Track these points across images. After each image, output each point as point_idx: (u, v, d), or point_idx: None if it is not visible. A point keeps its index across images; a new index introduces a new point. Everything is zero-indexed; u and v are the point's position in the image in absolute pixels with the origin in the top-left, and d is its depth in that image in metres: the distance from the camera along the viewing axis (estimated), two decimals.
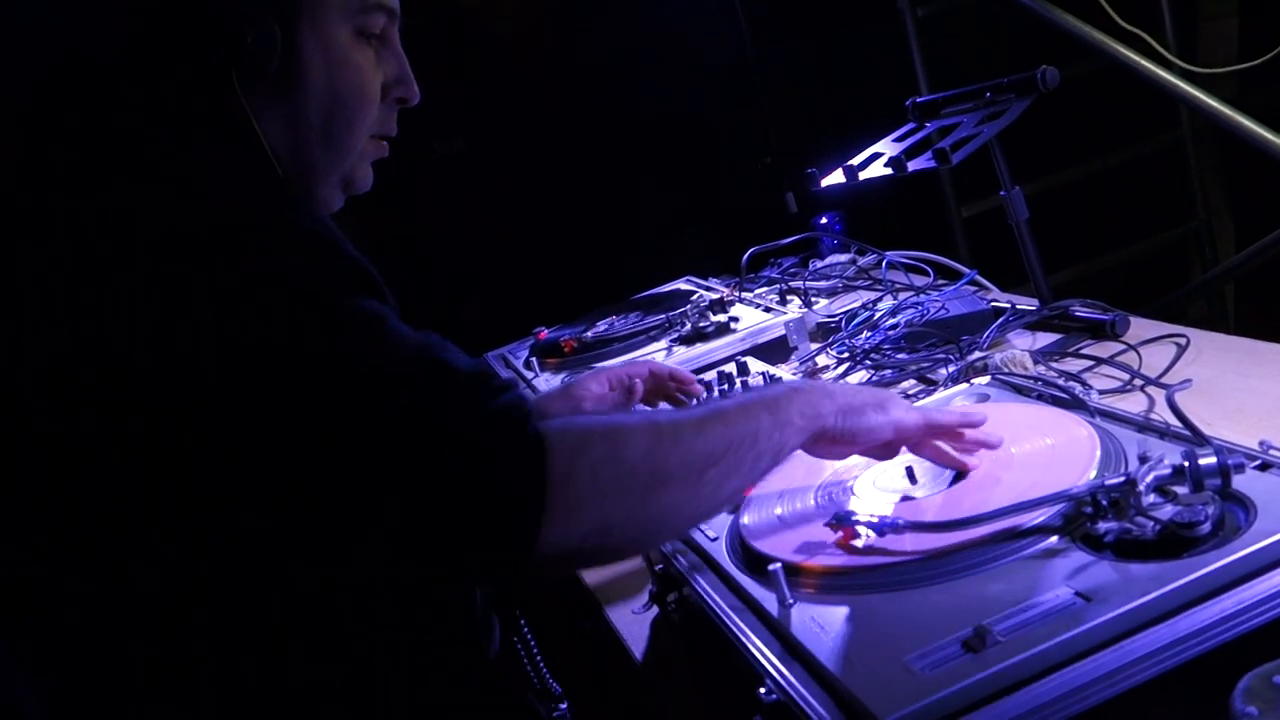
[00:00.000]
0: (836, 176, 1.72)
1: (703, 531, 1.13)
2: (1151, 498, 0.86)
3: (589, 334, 2.13)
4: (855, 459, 1.13)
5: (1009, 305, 1.80)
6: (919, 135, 1.66)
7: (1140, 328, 1.63)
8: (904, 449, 1.10)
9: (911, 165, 1.58)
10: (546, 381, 2.00)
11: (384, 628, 0.97)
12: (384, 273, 0.94)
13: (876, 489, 1.09)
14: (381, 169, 1.10)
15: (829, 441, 1.05)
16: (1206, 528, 0.81)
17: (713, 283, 2.43)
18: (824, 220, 2.67)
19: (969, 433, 1.10)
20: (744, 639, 0.91)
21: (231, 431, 0.83)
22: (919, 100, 1.71)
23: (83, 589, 0.90)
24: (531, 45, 3.19)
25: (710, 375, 1.70)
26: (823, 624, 0.87)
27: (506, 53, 3.15)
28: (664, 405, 1.50)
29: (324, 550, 0.89)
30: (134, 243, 0.84)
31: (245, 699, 0.92)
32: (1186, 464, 0.86)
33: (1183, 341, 1.52)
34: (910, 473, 1.08)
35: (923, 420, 1.07)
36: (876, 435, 1.05)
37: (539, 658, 1.29)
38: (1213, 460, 0.86)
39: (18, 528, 0.90)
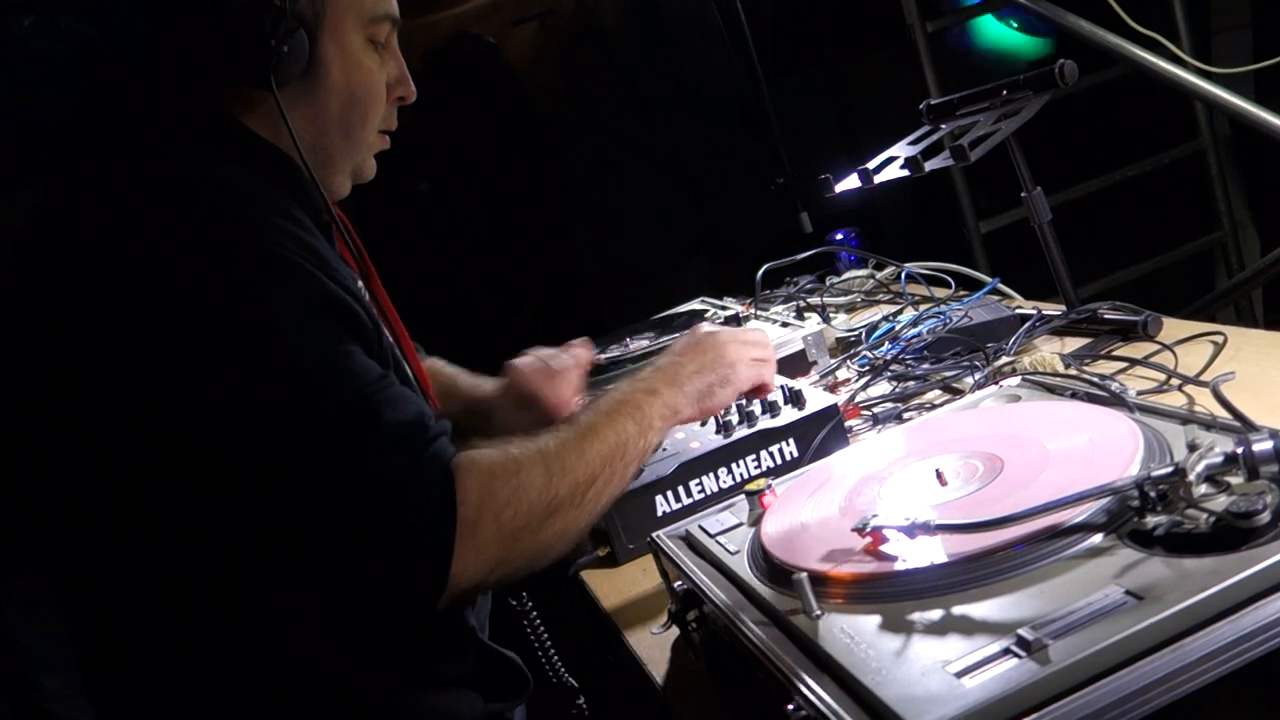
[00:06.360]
0: (851, 181, 1.67)
1: (723, 545, 1.08)
2: (1203, 488, 0.80)
3: (602, 356, 2.08)
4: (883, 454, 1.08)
5: (1035, 311, 1.74)
6: (934, 137, 1.61)
7: (1173, 328, 1.57)
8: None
9: (929, 165, 1.52)
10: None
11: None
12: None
13: (903, 492, 1.03)
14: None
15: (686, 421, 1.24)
16: (1266, 517, 0.75)
17: (727, 301, 2.38)
18: (839, 236, 2.61)
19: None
20: (769, 654, 0.85)
21: (183, 431, 0.98)
22: (933, 102, 1.66)
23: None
24: (543, 78, 3.19)
25: None
26: (853, 634, 0.81)
27: (518, 85, 3.14)
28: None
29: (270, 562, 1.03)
30: (126, 264, 0.99)
31: (241, 669, 1.06)
32: (1240, 450, 0.80)
33: (1220, 339, 1.46)
34: (939, 475, 1.02)
35: (757, 376, 1.28)
36: (724, 407, 1.28)
37: (553, 652, 1.41)
38: (1269, 445, 0.79)
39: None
